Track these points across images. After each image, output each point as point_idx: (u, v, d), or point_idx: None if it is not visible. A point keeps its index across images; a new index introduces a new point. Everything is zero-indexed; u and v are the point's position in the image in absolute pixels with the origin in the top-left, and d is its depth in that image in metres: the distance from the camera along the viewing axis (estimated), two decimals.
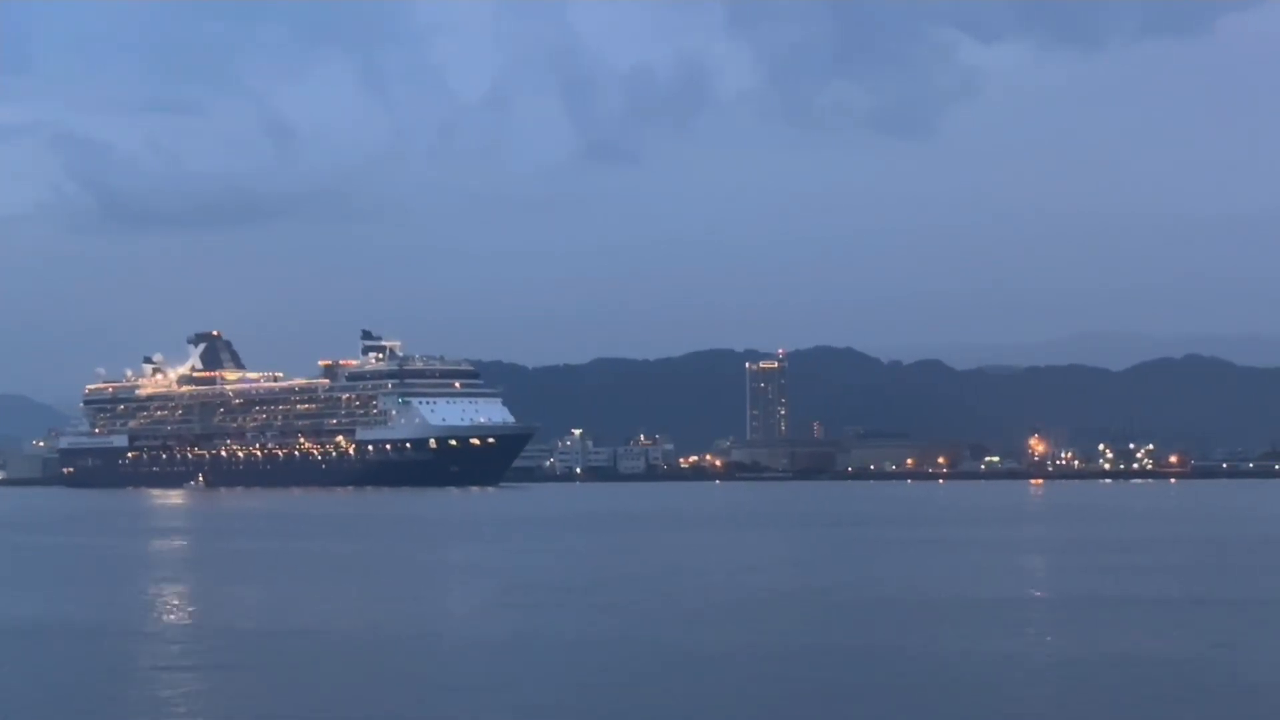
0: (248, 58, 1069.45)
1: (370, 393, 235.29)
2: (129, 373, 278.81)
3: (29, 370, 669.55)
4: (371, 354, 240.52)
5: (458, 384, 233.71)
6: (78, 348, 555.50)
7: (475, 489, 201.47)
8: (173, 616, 38.82)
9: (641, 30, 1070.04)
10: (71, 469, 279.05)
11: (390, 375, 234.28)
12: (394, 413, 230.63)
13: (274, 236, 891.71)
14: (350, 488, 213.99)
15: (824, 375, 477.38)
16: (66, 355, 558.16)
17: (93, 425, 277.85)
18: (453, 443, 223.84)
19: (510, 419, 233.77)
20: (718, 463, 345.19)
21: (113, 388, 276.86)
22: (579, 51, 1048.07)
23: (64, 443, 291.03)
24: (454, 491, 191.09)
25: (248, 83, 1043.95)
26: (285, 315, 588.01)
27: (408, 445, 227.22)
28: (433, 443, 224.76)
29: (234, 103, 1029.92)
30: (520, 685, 25.70)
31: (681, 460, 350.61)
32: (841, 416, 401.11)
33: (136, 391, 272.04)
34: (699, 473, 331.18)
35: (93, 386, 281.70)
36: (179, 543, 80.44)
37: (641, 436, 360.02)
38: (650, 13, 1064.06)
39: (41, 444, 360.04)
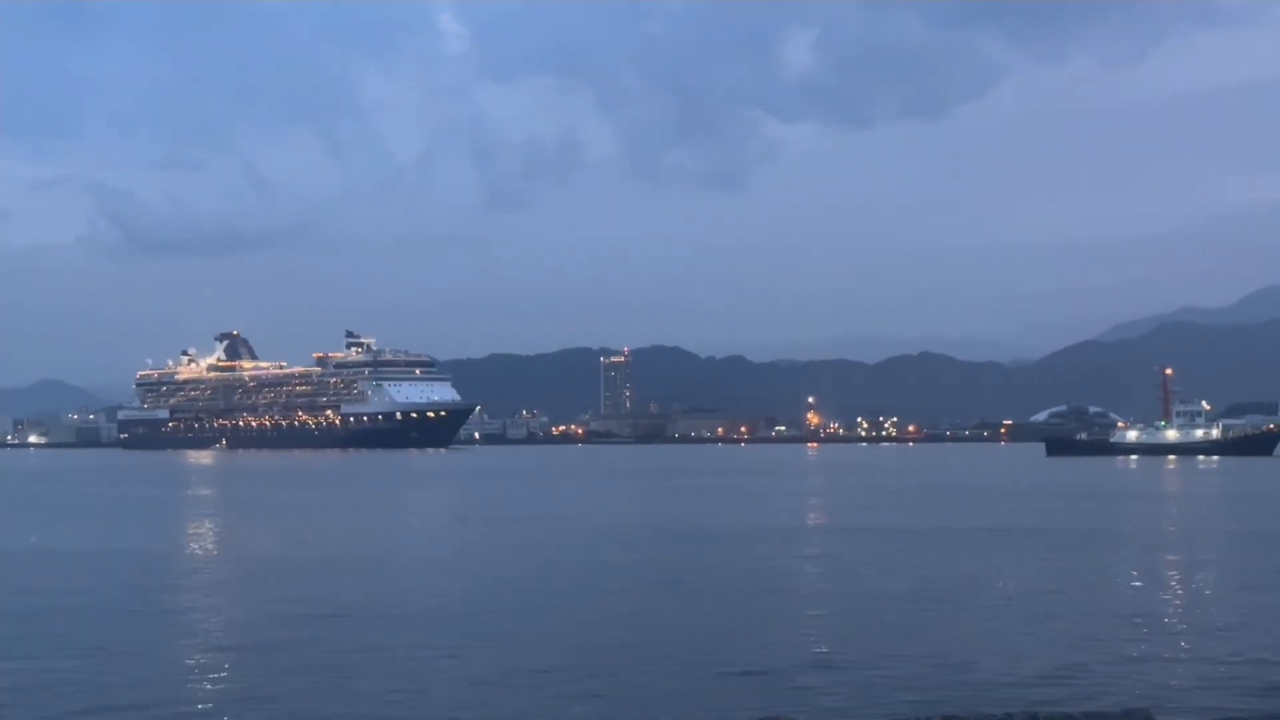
0: (238, 127, 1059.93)
1: (352, 377, 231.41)
2: (170, 362, 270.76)
3: (67, 361, 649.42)
4: (353, 348, 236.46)
5: (418, 371, 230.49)
6: (104, 344, 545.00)
7: (430, 450, 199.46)
8: (205, 543, 38.26)
9: (532, 110, 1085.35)
10: (126, 435, 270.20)
11: (367, 364, 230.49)
12: (369, 393, 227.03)
13: (257, 262, 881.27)
14: (336, 450, 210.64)
15: (658, 366, 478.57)
16: (96, 349, 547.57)
17: (142, 402, 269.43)
18: (414, 415, 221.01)
19: (458, 397, 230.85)
20: (580, 431, 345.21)
21: (157, 373, 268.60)
22: (485, 125, 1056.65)
23: (121, 415, 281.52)
24: (414, 452, 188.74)
25: (237, 146, 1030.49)
26: (286, 318, 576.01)
27: (380, 417, 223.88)
28: (399, 415, 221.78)
29: (227, 161, 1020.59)
30: (454, 580, 25.84)
31: (553, 429, 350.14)
32: (671, 397, 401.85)
33: (176, 376, 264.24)
34: (566, 438, 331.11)
35: (143, 373, 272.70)
36: (208, 491, 78.84)
37: (524, 411, 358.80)
38: (538, 97, 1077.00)
39: (74, 417, 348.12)
